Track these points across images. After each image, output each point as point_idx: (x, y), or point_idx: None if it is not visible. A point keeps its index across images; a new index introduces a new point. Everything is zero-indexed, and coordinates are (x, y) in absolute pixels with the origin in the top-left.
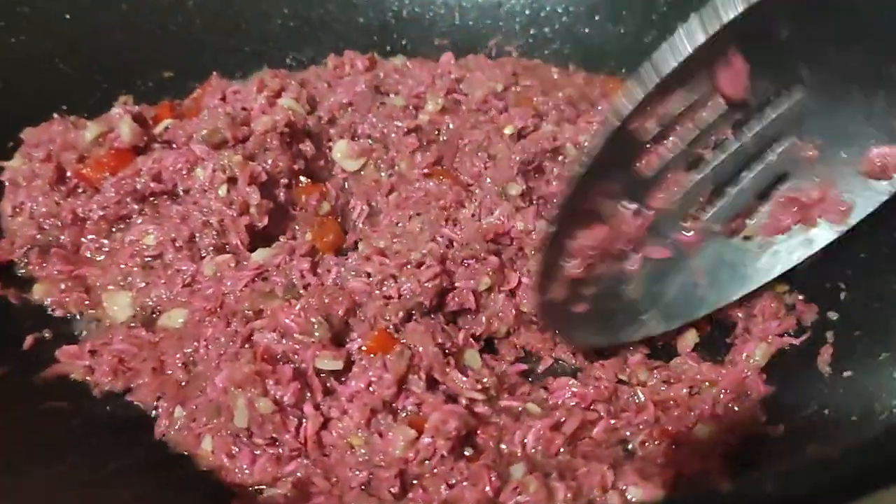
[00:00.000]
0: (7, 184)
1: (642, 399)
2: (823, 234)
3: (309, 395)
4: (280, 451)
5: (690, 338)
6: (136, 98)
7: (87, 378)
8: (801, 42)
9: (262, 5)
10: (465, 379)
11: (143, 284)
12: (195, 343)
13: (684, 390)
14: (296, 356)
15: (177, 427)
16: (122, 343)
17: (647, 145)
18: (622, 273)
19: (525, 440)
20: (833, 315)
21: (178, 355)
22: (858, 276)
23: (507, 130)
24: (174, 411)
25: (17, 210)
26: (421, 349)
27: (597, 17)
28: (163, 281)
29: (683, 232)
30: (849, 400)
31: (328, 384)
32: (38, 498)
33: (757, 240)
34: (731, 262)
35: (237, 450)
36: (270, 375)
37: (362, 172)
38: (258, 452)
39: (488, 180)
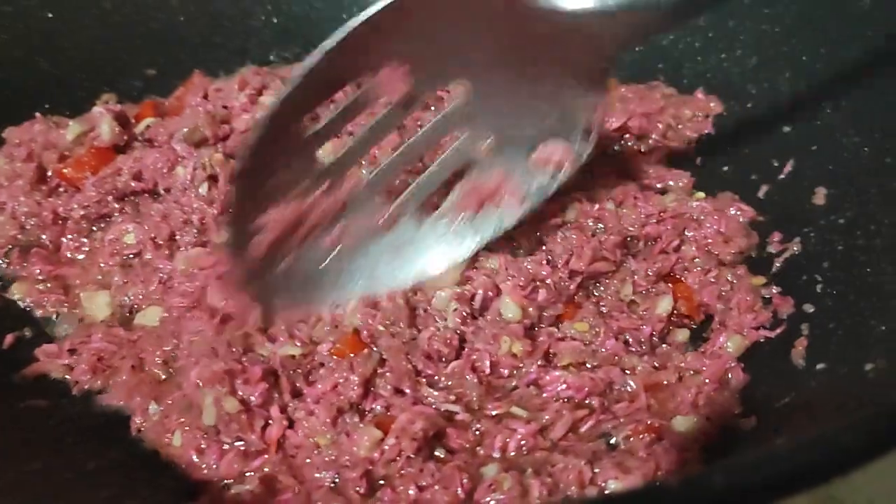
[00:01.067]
0: None
1: (633, 387)
2: (510, 212)
3: (276, 395)
4: (247, 447)
5: (681, 336)
6: (120, 96)
7: (67, 376)
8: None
9: (246, 3)
10: (436, 394)
11: (122, 283)
12: (174, 340)
13: (672, 377)
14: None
15: (151, 423)
16: (100, 341)
17: (319, 133)
18: (317, 246)
19: (507, 443)
20: (809, 308)
21: (157, 353)
22: (834, 269)
23: None
24: (149, 407)
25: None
26: (393, 362)
27: None
28: (141, 279)
29: (377, 213)
30: (821, 392)
31: (297, 384)
32: (15, 497)
33: (449, 218)
34: (425, 236)
35: (205, 446)
36: (240, 374)
37: None
38: (226, 448)
39: None
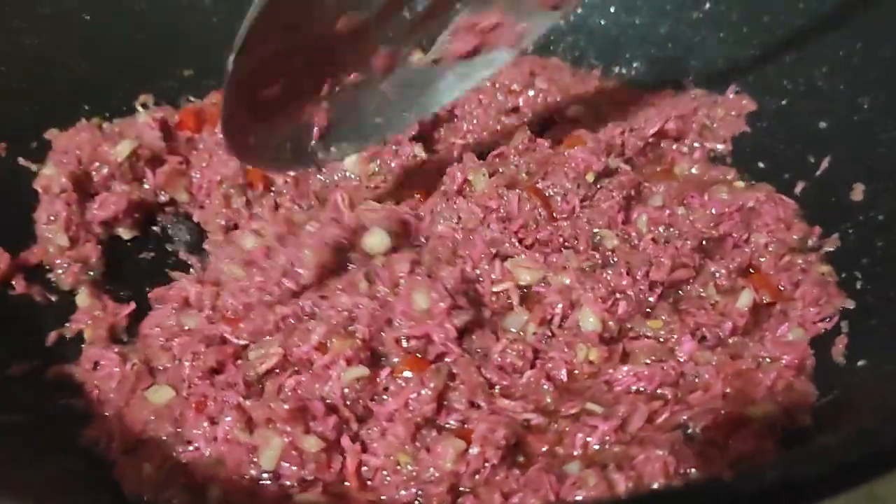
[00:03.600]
0: (41, 192)
1: (707, 377)
2: (502, 55)
3: (344, 426)
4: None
5: (745, 298)
6: (157, 97)
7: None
8: None
9: None
10: (513, 404)
11: None
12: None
13: (751, 364)
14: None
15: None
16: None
17: None
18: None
19: (587, 441)
20: (849, 304)
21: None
22: (874, 266)
23: None
24: (144, 468)
25: (52, 218)
26: (464, 376)
27: (612, 9)
28: None
29: (373, 57)
30: (863, 389)
31: (357, 413)
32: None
33: (445, 63)
34: (421, 83)
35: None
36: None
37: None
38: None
39: None
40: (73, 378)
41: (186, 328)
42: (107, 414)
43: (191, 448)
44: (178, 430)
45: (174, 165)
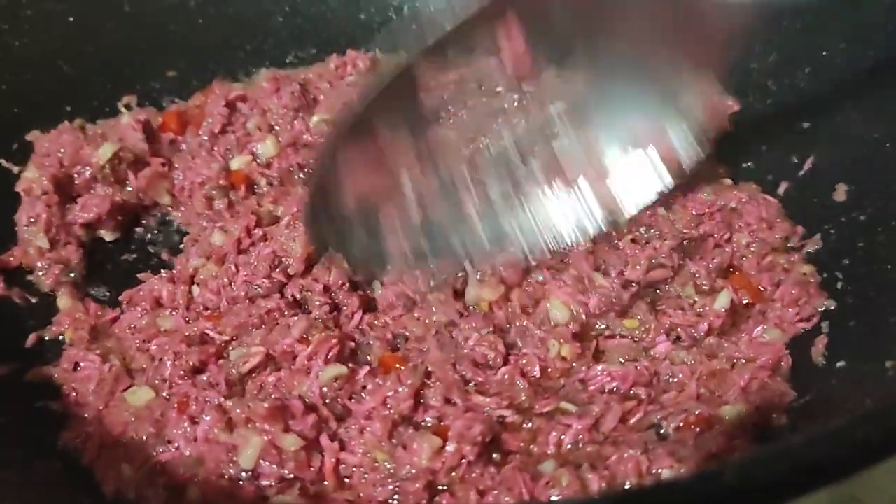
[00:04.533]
0: (23, 194)
1: (680, 377)
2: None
3: (323, 425)
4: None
5: (723, 300)
6: (140, 98)
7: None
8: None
9: (263, 4)
10: (488, 400)
11: None
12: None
13: (725, 365)
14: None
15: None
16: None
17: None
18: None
19: (561, 439)
20: (829, 305)
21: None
22: (855, 266)
23: None
24: (123, 469)
25: (33, 220)
26: (440, 373)
27: None
28: None
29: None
30: (841, 390)
31: (335, 410)
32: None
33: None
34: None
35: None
36: (285, 411)
37: None
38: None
39: None
40: (53, 380)
41: (163, 329)
42: (86, 416)
43: (171, 448)
44: (158, 431)
45: (157, 168)
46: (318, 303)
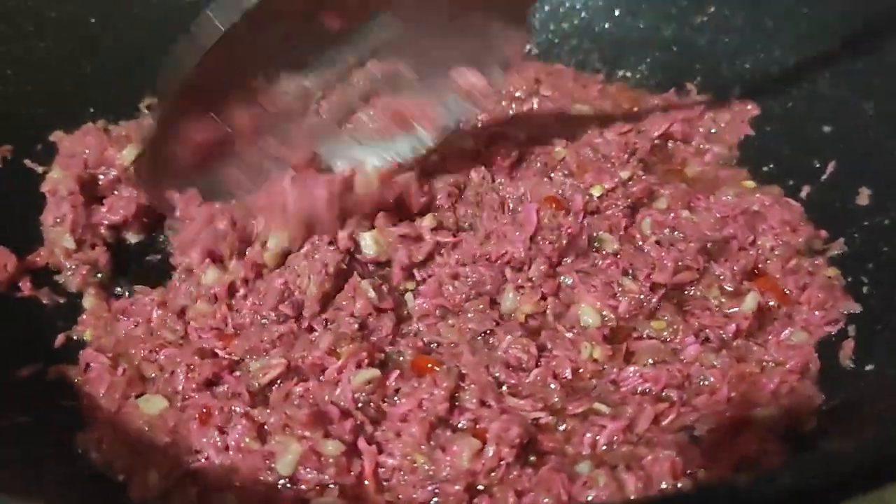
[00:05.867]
0: (48, 195)
1: (712, 380)
2: (427, 136)
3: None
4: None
5: (750, 301)
6: None
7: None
8: None
9: None
10: (521, 402)
11: None
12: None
13: (755, 368)
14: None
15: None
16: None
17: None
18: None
19: (596, 440)
20: (855, 308)
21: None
22: (880, 270)
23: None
24: (149, 476)
25: (58, 221)
26: (474, 376)
27: (616, 13)
28: None
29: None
30: (871, 394)
31: (369, 415)
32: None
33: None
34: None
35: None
36: (324, 417)
37: None
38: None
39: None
40: (70, 380)
41: (169, 340)
42: (100, 419)
43: (200, 458)
44: (176, 440)
45: None
46: (347, 321)
